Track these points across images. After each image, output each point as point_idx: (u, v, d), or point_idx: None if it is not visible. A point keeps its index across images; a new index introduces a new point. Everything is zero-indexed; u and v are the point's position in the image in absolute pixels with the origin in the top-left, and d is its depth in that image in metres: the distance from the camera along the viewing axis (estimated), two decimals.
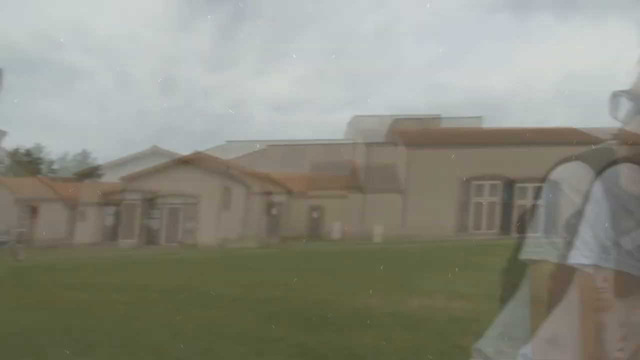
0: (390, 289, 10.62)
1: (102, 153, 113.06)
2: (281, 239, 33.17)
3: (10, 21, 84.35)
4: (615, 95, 0.99)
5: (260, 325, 7.40)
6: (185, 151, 38.34)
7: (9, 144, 45.98)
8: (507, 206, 32.55)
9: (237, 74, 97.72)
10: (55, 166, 59.18)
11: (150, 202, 31.94)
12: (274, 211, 35.20)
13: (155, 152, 36.14)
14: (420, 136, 35.90)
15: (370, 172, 36.35)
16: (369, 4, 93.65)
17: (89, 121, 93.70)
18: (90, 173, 38.86)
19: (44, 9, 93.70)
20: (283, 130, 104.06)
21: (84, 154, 61.66)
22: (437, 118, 40.98)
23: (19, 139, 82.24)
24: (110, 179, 34.29)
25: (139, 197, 32.00)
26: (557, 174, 1.13)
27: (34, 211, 34.44)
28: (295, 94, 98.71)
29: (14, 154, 46.50)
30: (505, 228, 30.65)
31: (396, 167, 35.96)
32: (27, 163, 47.76)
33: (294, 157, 38.86)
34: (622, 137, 1.01)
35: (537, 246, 1.09)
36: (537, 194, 1.15)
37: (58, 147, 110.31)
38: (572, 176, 1.10)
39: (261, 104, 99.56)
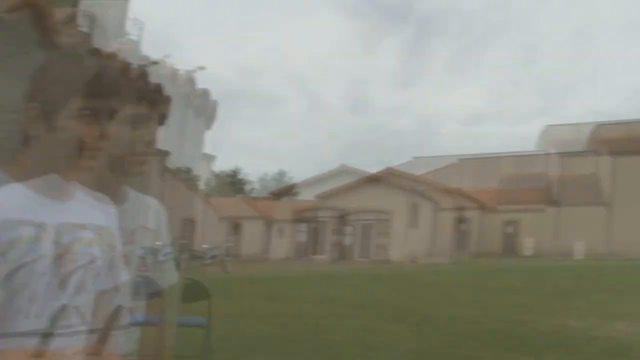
0: (592, 311, 9.81)
1: (297, 172, 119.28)
2: (472, 255, 32.24)
3: (218, 56, 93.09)
4: None
5: (451, 344, 7.26)
6: (374, 168, 39.16)
7: (216, 167, 50.36)
8: None
9: (425, 90, 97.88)
10: (255, 186, 63.38)
11: (342, 219, 32.96)
12: (464, 227, 34.31)
13: (343, 170, 37.27)
14: (629, 142, 32.85)
15: (567, 184, 34.03)
16: (563, 5, 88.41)
17: (285, 143, 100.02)
18: (286, 192, 41.13)
19: (246, 44, 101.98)
20: (472, 145, 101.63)
21: (281, 174, 65.36)
22: None
23: (223, 163, 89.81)
24: (305, 197, 36.03)
25: (331, 215, 33.18)
26: None
27: (236, 227, 37.28)
28: (484, 107, 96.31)
29: (220, 176, 50.77)
30: None
31: (598, 177, 33.29)
32: (231, 184, 51.63)
33: (485, 170, 37.52)
34: None
35: None
36: None
37: (258, 168, 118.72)
38: None
39: (449, 119, 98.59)
